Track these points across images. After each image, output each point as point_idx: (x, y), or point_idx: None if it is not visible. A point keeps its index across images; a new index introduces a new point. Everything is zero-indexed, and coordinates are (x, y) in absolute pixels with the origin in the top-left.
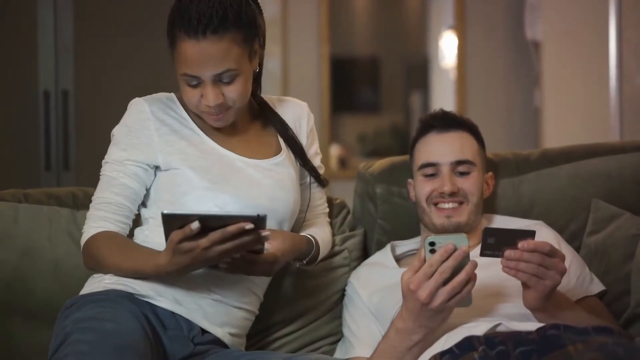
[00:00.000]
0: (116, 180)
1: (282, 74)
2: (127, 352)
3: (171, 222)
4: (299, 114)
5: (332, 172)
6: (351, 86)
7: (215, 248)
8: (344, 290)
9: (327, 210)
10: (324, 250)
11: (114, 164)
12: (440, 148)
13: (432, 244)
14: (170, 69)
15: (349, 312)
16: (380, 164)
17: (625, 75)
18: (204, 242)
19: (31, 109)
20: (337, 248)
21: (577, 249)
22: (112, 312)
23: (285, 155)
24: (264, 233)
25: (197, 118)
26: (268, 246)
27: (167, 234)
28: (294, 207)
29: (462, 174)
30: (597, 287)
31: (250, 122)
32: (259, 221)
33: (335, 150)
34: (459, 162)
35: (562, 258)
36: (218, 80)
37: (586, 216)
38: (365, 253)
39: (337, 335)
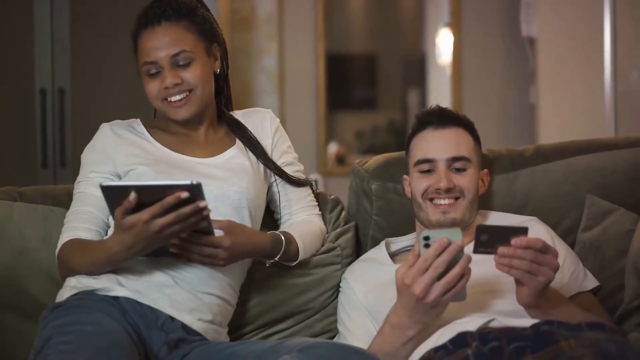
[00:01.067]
0: (85, 193)
1: (278, 71)
2: (112, 351)
3: (112, 196)
4: (261, 118)
5: (330, 169)
6: (348, 83)
7: (156, 221)
8: (336, 287)
9: (314, 204)
10: (309, 243)
11: (82, 181)
12: (436, 144)
13: (426, 238)
14: None
15: (343, 308)
16: (375, 160)
17: (620, 71)
18: (144, 214)
19: (28, 106)
20: (329, 245)
21: (572, 245)
22: (89, 316)
23: (238, 149)
24: (202, 204)
25: (157, 133)
26: (220, 232)
27: (111, 213)
28: (249, 194)
29: (458, 170)
30: (591, 282)
31: (209, 133)
32: (194, 189)
33: (332, 148)
34: (455, 159)
35: (555, 254)
36: (175, 64)
37: (580, 212)
38: (357, 249)
39: (331, 332)
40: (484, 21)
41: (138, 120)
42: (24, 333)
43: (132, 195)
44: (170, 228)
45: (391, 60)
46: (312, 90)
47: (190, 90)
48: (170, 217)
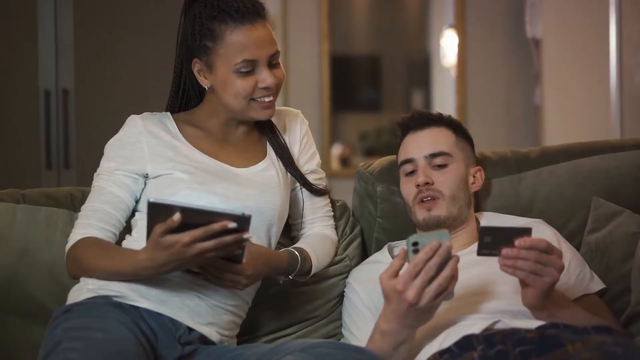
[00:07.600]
0: (105, 190)
1: None
2: (118, 359)
3: (156, 212)
4: (292, 120)
5: (334, 171)
6: (352, 84)
7: (196, 246)
8: (342, 294)
9: (331, 214)
10: (322, 259)
11: (104, 174)
12: (414, 144)
13: (415, 244)
14: (171, 67)
15: (347, 313)
16: (380, 162)
17: (626, 72)
18: (185, 236)
19: (32, 107)
20: (338, 257)
21: (577, 247)
22: (101, 321)
23: (270, 161)
24: (245, 235)
25: (188, 132)
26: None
27: (149, 226)
28: (280, 210)
29: (440, 167)
30: (597, 285)
31: (246, 134)
32: (243, 220)
33: (336, 149)
34: (434, 155)
35: (560, 255)
36: (269, 63)
37: (585, 214)
38: (364, 255)
39: (336, 337)
40: (488, 22)
41: (168, 114)
42: (26, 335)
43: (177, 216)
44: (207, 254)
45: (395, 61)
46: (316, 91)
47: (276, 92)
48: (210, 243)
